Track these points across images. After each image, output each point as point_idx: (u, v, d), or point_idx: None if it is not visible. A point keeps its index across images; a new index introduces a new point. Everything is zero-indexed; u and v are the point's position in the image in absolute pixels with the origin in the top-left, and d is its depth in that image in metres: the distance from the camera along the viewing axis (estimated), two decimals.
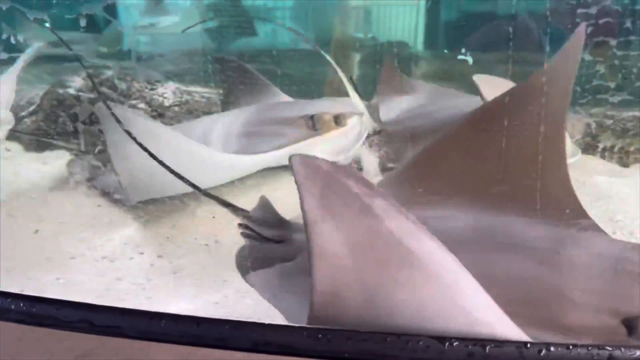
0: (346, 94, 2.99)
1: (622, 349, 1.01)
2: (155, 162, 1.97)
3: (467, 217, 1.57)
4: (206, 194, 1.98)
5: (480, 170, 1.60)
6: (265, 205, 1.96)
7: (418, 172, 1.79)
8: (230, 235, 2.19)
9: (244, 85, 3.28)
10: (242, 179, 2.57)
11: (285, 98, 3.22)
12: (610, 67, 1.49)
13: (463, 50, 3.11)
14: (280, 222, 1.93)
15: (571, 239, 1.47)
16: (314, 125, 2.67)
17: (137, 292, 1.81)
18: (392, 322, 1.07)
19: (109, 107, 2.08)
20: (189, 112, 3.37)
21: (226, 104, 3.32)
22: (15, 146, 3.09)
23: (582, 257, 1.39)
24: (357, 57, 3.84)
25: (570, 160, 1.83)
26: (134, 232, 2.22)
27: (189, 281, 1.88)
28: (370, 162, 2.79)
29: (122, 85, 3.31)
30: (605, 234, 1.58)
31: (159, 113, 3.30)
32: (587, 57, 1.49)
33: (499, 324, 1.06)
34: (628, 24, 1.51)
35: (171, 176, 1.97)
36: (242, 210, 1.93)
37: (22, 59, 3.11)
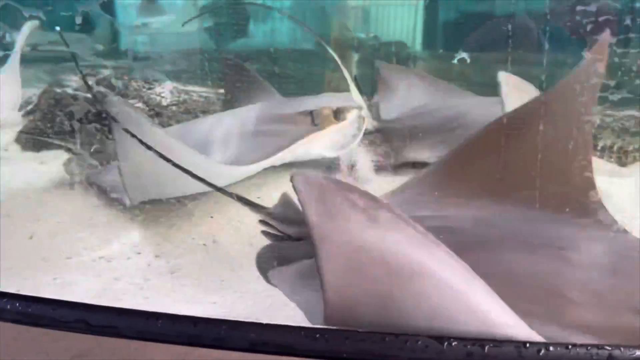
0: (345, 92, 2.98)
1: (622, 349, 1.01)
2: (159, 164, 1.93)
3: (497, 216, 1.57)
4: (224, 192, 1.93)
5: (511, 171, 1.60)
6: (286, 202, 1.91)
7: (449, 171, 1.79)
8: (228, 235, 2.19)
9: (245, 85, 3.27)
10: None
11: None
12: (610, 65, 1.49)
13: (458, 52, 3.11)
14: (301, 220, 1.88)
15: (601, 239, 1.48)
16: (313, 120, 2.66)
17: (134, 292, 1.80)
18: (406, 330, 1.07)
19: (114, 120, 2.04)
20: (186, 111, 3.36)
21: (227, 103, 3.30)
22: (12, 146, 3.09)
23: (614, 257, 1.39)
24: (355, 57, 3.84)
25: None
26: (132, 232, 2.21)
27: (186, 281, 1.88)
28: (366, 161, 2.79)
29: (120, 85, 3.30)
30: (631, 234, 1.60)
31: (156, 112, 3.29)
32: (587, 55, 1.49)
33: (513, 327, 1.06)
34: (628, 22, 1.51)
35: (173, 177, 1.94)
36: (263, 207, 1.90)
37: (19, 42, 3.06)
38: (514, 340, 1.04)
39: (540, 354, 1.01)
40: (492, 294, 1.06)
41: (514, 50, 2.42)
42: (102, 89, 3.19)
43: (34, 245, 2.10)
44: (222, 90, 3.54)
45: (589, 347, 1.02)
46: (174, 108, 3.38)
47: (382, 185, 2.66)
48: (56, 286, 1.82)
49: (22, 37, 3.08)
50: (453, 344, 1.03)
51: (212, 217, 2.30)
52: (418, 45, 4.17)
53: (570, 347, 1.02)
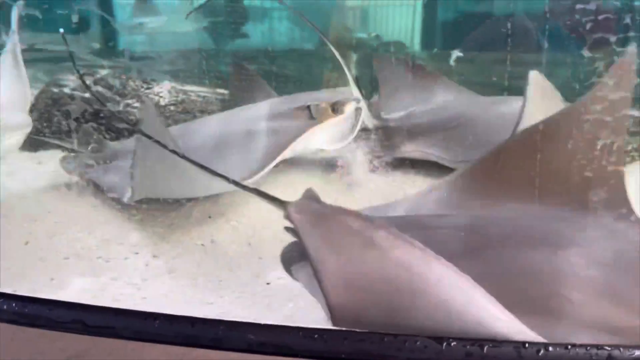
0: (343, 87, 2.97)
1: (621, 349, 1.01)
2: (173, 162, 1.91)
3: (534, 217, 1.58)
4: (246, 187, 1.91)
5: (547, 174, 1.61)
6: (310, 197, 1.90)
7: (485, 172, 1.80)
8: (226, 236, 2.18)
9: (248, 85, 3.26)
10: None
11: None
12: (609, 65, 1.50)
13: (454, 53, 3.12)
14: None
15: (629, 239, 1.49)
16: (311, 115, 2.64)
17: (132, 293, 1.80)
18: None
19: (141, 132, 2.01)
20: (185, 111, 3.35)
21: (231, 103, 3.29)
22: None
23: None
24: (354, 57, 3.83)
25: None
26: (129, 232, 2.20)
27: (184, 281, 1.87)
28: (364, 160, 2.78)
29: (117, 84, 3.29)
30: None
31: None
32: (586, 54, 1.49)
33: (518, 334, 1.06)
34: (627, 20, 1.51)
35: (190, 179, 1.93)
36: (285, 203, 1.87)
37: (14, 21, 2.99)
38: (513, 340, 1.03)
39: (540, 354, 1.01)
40: (495, 304, 1.06)
41: (513, 49, 2.42)
42: (99, 88, 3.18)
43: (31, 245, 2.09)
44: (220, 90, 3.53)
45: (588, 347, 1.01)
46: (172, 108, 3.37)
47: (381, 185, 2.66)
48: (53, 286, 1.81)
49: (15, 17, 3.01)
50: (452, 344, 1.02)
51: (210, 217, 2.29)
52: (417, 45, 4.17)
53: (569, 347, 1.01)
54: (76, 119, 2.78)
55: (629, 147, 2.58)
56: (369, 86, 3.35)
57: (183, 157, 1.87)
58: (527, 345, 1.01)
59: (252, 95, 3.18)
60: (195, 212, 2.31)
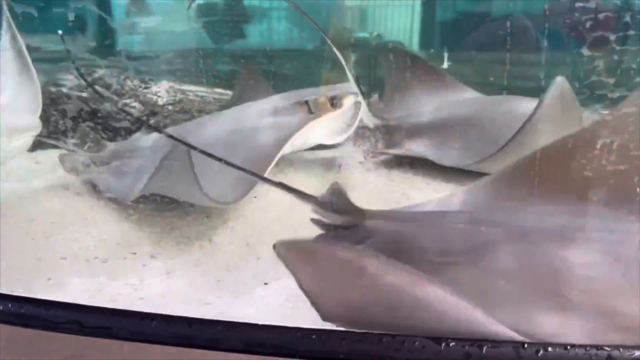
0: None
1: (621, 349, 1.00)
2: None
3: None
4: (270, 181, 1.89)
5: (582, 177, 1.62)
6: (336, 191, 1.89)
7: (521, 176, 1.80)
8: (224, 236, 2.17)
9: (252, 85, 3.26)
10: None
11: None
12: (609, 63, 1.49)
13: (446, 55, 3.11)
14: (351, 209, 1.86)
15: None
16: (310, 109, 2.63)
17: (129, 293, 1.79)
18: None
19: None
20: (183, 111, 3.34)
21: (235, 103, 3.29)
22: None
23: None
24: (352, 57, 3.83)
25: None
26: (127, 232, 2.19)
27: (182, 281, 1.86)
28: (360, 159, 2.78)
29: (115, 83, 3.28)
30: None
31: (152, 112, 3.27)
32: (586, 53, 1.48)
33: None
34: (627, 19, 1.51)
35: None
36: (311, 196, 1.80)
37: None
38: (512, 340, 1.03)
39: (539, 354, 1.00)
40: (492, 323, 1.08)
41: (512, 49, 2.42)
42: (97, 87, 3.17)
43: (28, 245, 2.08)
44: (218, 89, 3.53)
45: (587, 348, 1.01)
46: (170, 107, 3.36)
47: (379, 185, 2.65)
48: (50, 287, 1.81)
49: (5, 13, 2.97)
50: (451, 344, 1.02)
51: (207, 217, 2.28)
52: (415, 45, 4.17)
53: (569, 347, 1.01)
54: (73, 118, 2.76)
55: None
56: (369, 86, 3.34)
57: (214, 156, 1.85)
58: (526, 345, 1.01)
59: (257, 96, 3.17)
60: (193, 212, 2.30)
